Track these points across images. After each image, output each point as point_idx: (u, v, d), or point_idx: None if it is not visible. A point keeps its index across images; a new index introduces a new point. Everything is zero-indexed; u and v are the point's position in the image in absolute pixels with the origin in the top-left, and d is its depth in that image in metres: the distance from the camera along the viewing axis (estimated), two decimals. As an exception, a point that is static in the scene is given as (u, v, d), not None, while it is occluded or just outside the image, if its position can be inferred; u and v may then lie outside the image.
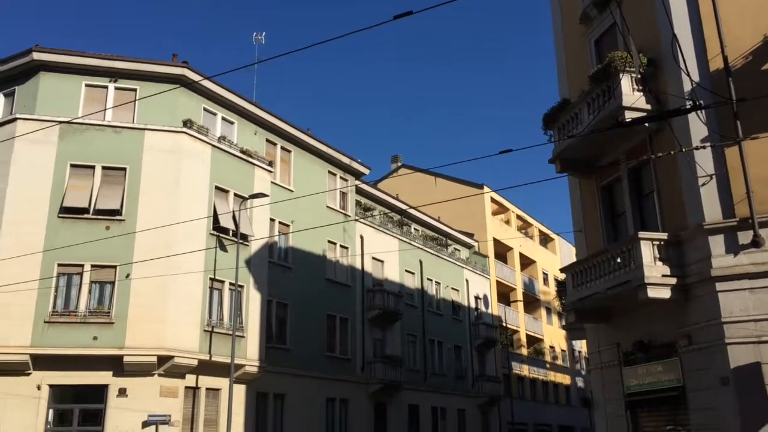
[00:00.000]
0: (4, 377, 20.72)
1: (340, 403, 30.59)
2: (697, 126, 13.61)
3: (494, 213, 51.45)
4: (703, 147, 12.84)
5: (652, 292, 13.54)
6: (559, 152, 16.91)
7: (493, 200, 50.38)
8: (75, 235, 21.55)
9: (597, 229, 17.31)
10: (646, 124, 14.54)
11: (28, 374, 20.90)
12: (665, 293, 13.60)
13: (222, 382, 23.29)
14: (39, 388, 20.98)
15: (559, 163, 17.20)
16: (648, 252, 13.80)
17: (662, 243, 13.95)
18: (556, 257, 57.85)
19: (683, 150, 12.65)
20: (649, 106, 14.67)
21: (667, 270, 13.74)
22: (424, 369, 37.63)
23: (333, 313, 31.19)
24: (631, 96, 14.69)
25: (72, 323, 21.43)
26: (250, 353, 24.77)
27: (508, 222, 53.31)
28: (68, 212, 22.25)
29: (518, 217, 55.01)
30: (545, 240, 59.41)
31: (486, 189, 47.44)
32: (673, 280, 13.63)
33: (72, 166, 22.80)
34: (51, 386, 21.17)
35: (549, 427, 51.31)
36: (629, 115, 14.34)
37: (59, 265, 21.72)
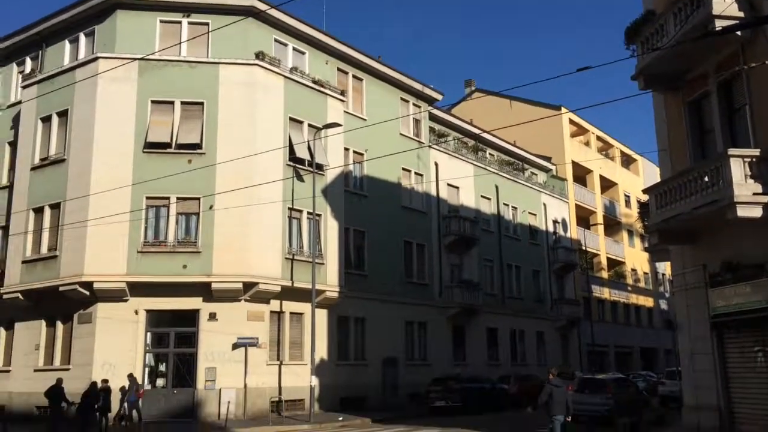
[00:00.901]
0: (105, 303, 22.26)
1: (418, 326, 31.32)
2: (796, 31, 12.57)
3: (573, 135, 49.88)
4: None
5: (742, 211, 12.94)
6: (643, 67, 16.05)
7: (571, 122, 48.75)
8: (160, 169, 22.41)
9: (683, 147, 16.53)
10: (739, 33, 13.50)
11: (126, 300, 22.35)
12: (756, 212, 12.97)
13: (305, 307, 24.20)
14: (137, 313, 22.45)
15: (642, 79, 16.35)
16: (738, 169, 13.12)
17: (754, 160, 13.21)
18: (639, 179, 55.85)
19: (780, 58, 11.72)
20: (741, 13, 13.64)
21: (758, 188, 13.06)
22: (502, 293, 37.82)
23: (410, 240, 31.53)
24: (722, 3, 13.69)
25: (162, 252, 22.59)
26: (330, 279, 25.52)
27: (587, 144, 51.64)
28: (152, 147, 23.09)
29: (598, 138, 53.15)
30: (627, 161, 57.36)
31: (564, 110, 45.84)
32: (765, 198, 12.96)
33: (153, 102, 23.48)
34: (147, 311, 22.60)
35: (630, 349, 50.97)
36: (720, 24, 13.38)
37: (147, 198, 22.74)
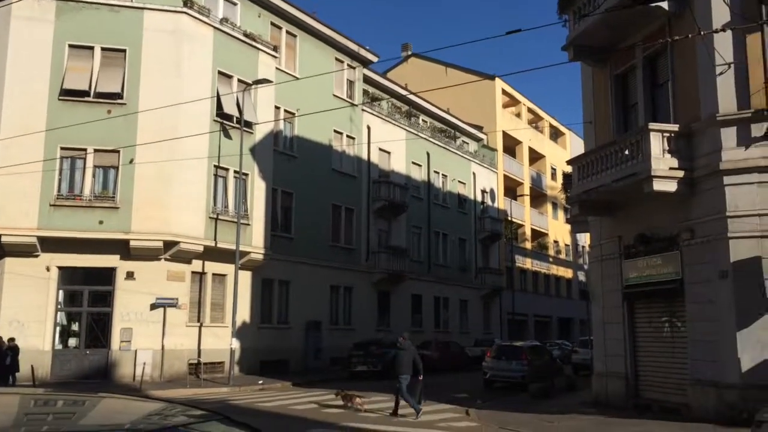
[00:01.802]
0: (14, 258, 21.14)
1: (344, 291, 31.28)
2: (720, 9, 12.87)
3: (505, 105, 50.45)
4: (723, 30, 12.13)
5: (658, 185, 13.31)
6: (574, 38, 16.18)
7: (504, 92, 49.24)
8: (76, 118, 21.21)
9: (607, 120, 16.85)
10: (666, 7, 13.76)
11: (37, 256, 21.28)
12: (671, 186, 13.36)
13: (228, 268, 23.69)
14: (48, 269, 21.43)
15: (572, 49, 16.49)
16: (657, 144, 13.44)
17: (672, 135, 13.56)
18: (566, 152, 57.22)
19: (702, 34, 11.97)
20: (670, -12, 13.83)
21: (675, 163, 13.44)
22: (428, 260, 38.19)
23: (338, 204, 31.27)
24: (652, -24, 13.83)
25: (77, 207, 21.55)
26: (255, 241, 25.05)
27: (518, 115, 52.38)
28: (69, 95, 21.83)
29: (529, 110, 53.98)
30: (555, 134, 58.61)
31: (497, 80, 46.17)
32: (681, 173, 13.35)
33: (70, 46, 22.15)
34: (60, 268, 21.61)
35: (548, 318, 52.76)
36: (648, -4, 13.56)
37: (62, 148, 21.57)
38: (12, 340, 19.10)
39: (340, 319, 30.97)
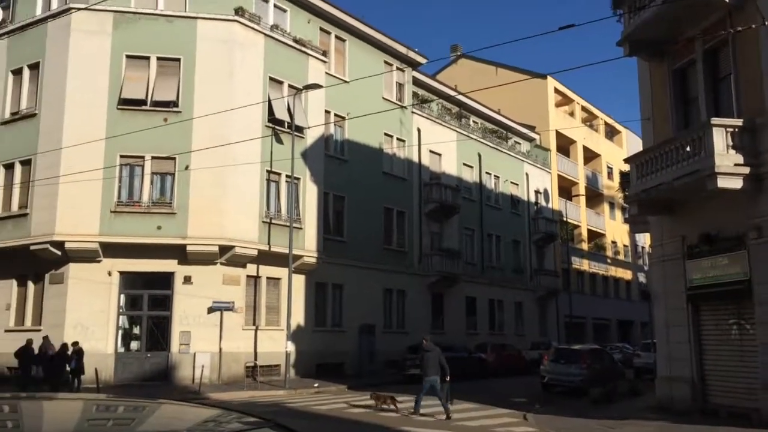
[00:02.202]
0: (78, 263, 21.83)
1: (397, 294, 31.21)
2: (787, -3, 12.25)
3: (558, 104, 49.57)
4: (792, 20, 11.54)
5: (723, 182, 12.76)
6: (629, 33, 15.69)
7: (556, 91, 48.40)
8: (134, 127, 21.75)
9: (666, 117, 16.29)
10: (727, -1, 13.21)
11: (99, 261, 21.91)
12: (737, 183, 12.79)
13: (282, 272, 23.90)
14: (110, 274, 22.04)
15: (628, 45, 16.00)
16: (720, 139, 12.90)
17: (736, 130, 12.99)
18: (623, 150, 55.83)
19: (766, 24, 11.41)
20: (732, -23, 13.28)
21: (740, 159, 12.87)
22: (482, 262, 37.79)
23: (390, 207, 31.25)
24: (713, -34, 13.31)
25: (136, 213, 22.11)
26: (308, 244, 25.22)
27: (572, 114, 51.39)
28: (127, 104, 22.44)
29: (583, 108, 52.89)
30: (611, 133, 57.25)
31: (550, 79, 45.40)
32: (746, 170, 12.78)
33: (128, 57, 22.77)
34: (121, 273, 22.20)
35: (607, 320, 51.48)
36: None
37: (121, 156, 22.17)
38: (76, 343, 19.68)
39: (394, 322, 30.90)
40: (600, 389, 18.41)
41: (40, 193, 21.98)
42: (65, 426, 2.63)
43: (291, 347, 22.45)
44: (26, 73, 23.64)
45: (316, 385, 22.33)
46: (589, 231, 50.89)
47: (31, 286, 23.11)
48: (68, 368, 19.16)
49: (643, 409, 15.98)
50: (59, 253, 21.57)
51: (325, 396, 20.12)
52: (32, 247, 21.82)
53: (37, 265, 22.32)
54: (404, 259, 31.86)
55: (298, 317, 25.16)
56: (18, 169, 23.21)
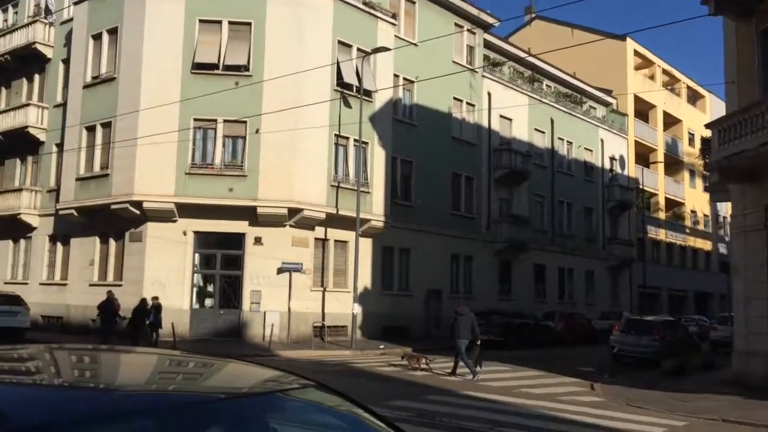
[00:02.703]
0: (155, 223, 22.70)
1: (464, 260, 31.08)
2: None
3: (637, 68, 47.50)
4: None
5: (814, 148, 11.95)
6: (715, -11, 14.76)
7: (636, 53, 46.34)
8: (207, 90, 22.20)
9: (752, 80, 15.35)
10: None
11: (175, 221, 22.71)
12: (829, 149, 11.96)
13: (349, 235, 24.16)
14: (185, 233, 22.82)
15: (713, 3, 15.08)
16: (813, 102, 12.05)
17: (832, 92, 12.09)
18: (706, 116, 53.05)
19: None
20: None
21: (834, 123, 12.00)
22: (552, 230, 37.07)
23: (458, 172, 30.95)
24: None
25: (209, 175, 22.71)
26: (375, 208, 25.34)
27: (652, 77, 49.17)
28: (200, 68, 22.89)
29: (664, 71, 50.51)
30: (694, 97, 54.55)
31: (629, 40, 43.48)
32: (841, 135, 11.91)
33: (200, 21, 23.14)
34: (195, 232, 22.96)
35: (684, 292, 49.78)
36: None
37: (195, 119, 22.72)
38: (156, 298, 20.58)
39: (461, 287, 30.85)
40: (672, 361, 17.89)
41: (119, 155, 22.85)
42: (137, 377, 2.81)
43: (357, 309, 22.78)
44: (105, 37, 24.40)
45: (381, 347, 22.62)
46: (666, 199, 49.03)
47: (112, 243, 24.22)
48: (147, 322, 20.09)
49: (717, 383, 15.44)
50: (138, 212, 22.47)
51: (389, 358, 20.35)
52: (113, 207, 22.79)
53: (117, 223, 23.34)
54: (472, 225, 31.61)
55: (365, 280, 25.44)
56: (99, 131, 24.17)
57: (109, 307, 20.46)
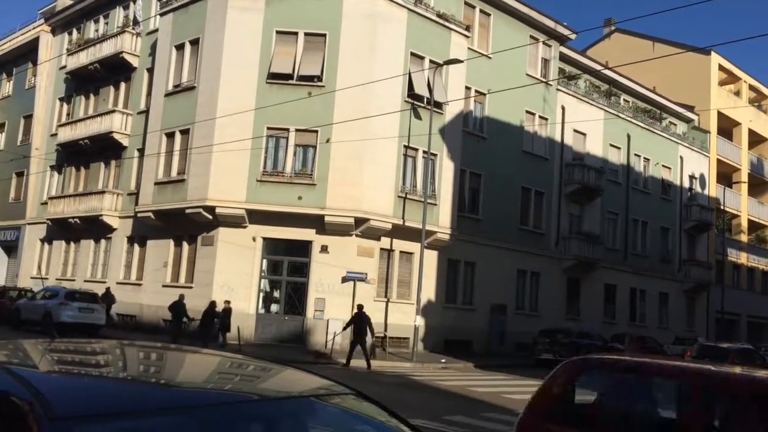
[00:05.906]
0: (226, 228, 23.35)
1: (531, 276, 30.50)
2: None
3: (721, 83, 45.57)
4: None
5: None
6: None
7: (721, 68, 44.48)
8: (281, 99, 22.70)
9: None
10: None
11: (245, 227, 23.27)
12: None
13: (414, 247, 24.10)
14: (254, 239, 23.34)
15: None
16: None
17: None
18: (796, 135, 50.54)
19: None
20: None
21: None
22: (625, 249, 35.92)
23: (528, 186, 30.46)
24: None
25: (280, 183, 23.15)
26: (441, 221, 25.22)
27: (737, 93, 47.07)
28: (275, 78, 23.43)
29: (751, 87, 48.27)
30: (783, 115, 51.87)
31: (714, 54, 41.81)
32: None
33: (277, 32, 23.70)
34: (264, 239, 23.45)
35: (765, 320, 47.23)
36: None
37: (268, 128, 23.24)
38: (227, 302, 21.17)
39: (526, 304, 30.29)
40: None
41: (196, 161, 23.63)
42: (198, 376, 2.94)
43: (420, 321, 22.67)
44: (187, 48, 25.33)
45: (443, 360, 22.45)
46: (749, 221, 46.73)
47: (185, 246, 25.03)
48: (216, 325, 20.64)
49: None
50: (210, 217, 23.14)
51: (450, 372, 20.18)
52: (187, 211, 23.56)
53: (191, 227, 24.11)
54: (540, 241, 31.01)
55: (429, 292, 25.32)
56: (178, 137, 25.07)
57: (178, 308, 21.14)
